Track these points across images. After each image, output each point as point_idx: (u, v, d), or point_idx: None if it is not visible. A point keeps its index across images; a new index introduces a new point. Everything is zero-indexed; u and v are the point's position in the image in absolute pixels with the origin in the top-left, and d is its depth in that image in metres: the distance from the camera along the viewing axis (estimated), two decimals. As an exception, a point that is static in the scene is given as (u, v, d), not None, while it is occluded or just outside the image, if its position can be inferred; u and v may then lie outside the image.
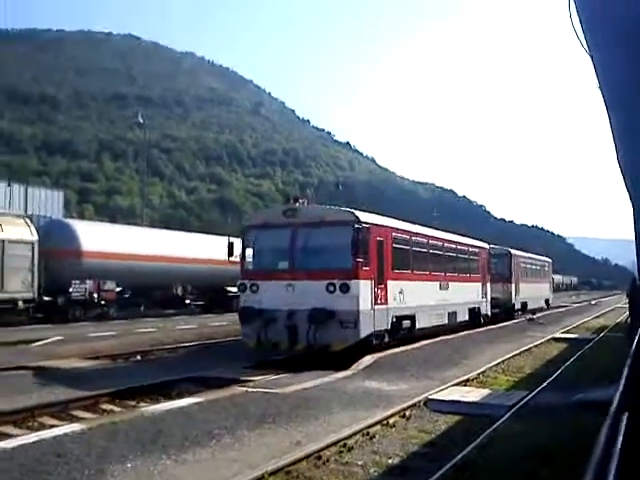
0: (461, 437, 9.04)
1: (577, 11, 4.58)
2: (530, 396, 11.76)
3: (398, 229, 18.55)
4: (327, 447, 8.23)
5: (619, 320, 33.06)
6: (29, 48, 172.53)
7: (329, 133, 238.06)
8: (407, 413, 10.48)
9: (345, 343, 14.93)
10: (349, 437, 8.76)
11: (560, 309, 45.12)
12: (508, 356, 17.72)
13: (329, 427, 9.20)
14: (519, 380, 14.48)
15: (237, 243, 17.29)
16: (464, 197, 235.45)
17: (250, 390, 11.52)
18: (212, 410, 9.77)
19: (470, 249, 25.67)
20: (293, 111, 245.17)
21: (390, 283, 16.85)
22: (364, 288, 15.29)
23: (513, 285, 32.45)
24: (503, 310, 31.10)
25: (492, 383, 13.90)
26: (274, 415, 9.68)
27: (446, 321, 21.60)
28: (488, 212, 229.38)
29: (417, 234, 20.06)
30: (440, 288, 21.33)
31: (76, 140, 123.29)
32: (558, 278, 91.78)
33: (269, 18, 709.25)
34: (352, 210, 16.24)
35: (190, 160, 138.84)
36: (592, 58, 5.25)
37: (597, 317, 38.26)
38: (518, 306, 33.64)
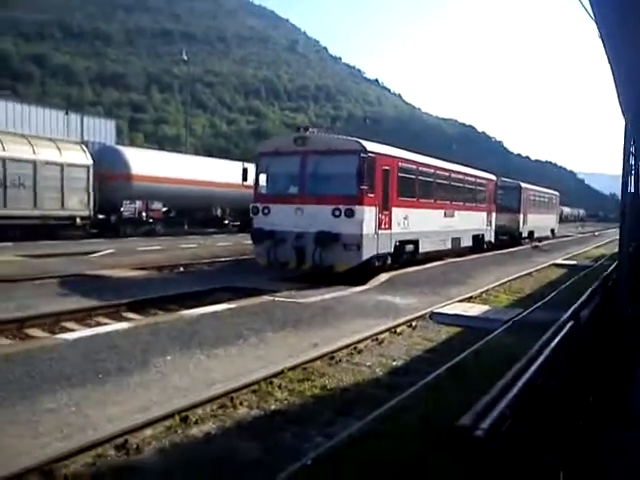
0: (458, 345, 9.30)
1: None
2: (525, 313, 11.84)
3: (404, 159, 17.92)
4: (340, 349, 8.57)
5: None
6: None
7: (359, 70, 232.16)
8: (413, 323, 10.75)
9: (348, 264, 14.88)
10: (360, 341, 9.07)
11: (565, 238, 44.60)
12: (511, 278, 17.69)
13: (343, 332, 9.50)
14: (518, 299, 14.53)
15: (252, 169, 16.98)
16: (483, 133, 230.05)
17: (277, 299, 11.83)
18: (242, 315, 10.13)
19: (477, 180, 24.83)
20: (326, 49, 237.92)
21: (395, 210, 16.55)
22: (368, 214, 15.08)
23: (521, 215, 32.26)
24: (511, 237, 31.20)
25: (493, 301, 14.01)
26: (296, 321, 10.04)
27: (450, 246, 21.29)
28: (506, 148, 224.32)
29: (423, 164, 19.28)
30: (445, 216, 20.90)
31: (127, 73, 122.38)
32: (567, 210, 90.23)
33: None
34: (359, 139, 15.65)
35: (231, 93, 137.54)
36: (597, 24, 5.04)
37: (598, 247, 37.75)
38: (525, 234, 33.51)
